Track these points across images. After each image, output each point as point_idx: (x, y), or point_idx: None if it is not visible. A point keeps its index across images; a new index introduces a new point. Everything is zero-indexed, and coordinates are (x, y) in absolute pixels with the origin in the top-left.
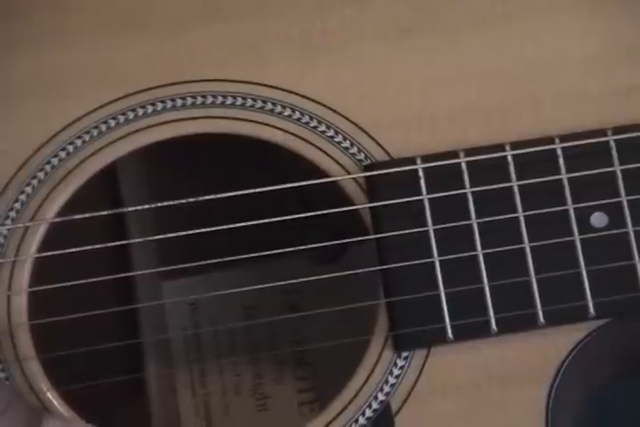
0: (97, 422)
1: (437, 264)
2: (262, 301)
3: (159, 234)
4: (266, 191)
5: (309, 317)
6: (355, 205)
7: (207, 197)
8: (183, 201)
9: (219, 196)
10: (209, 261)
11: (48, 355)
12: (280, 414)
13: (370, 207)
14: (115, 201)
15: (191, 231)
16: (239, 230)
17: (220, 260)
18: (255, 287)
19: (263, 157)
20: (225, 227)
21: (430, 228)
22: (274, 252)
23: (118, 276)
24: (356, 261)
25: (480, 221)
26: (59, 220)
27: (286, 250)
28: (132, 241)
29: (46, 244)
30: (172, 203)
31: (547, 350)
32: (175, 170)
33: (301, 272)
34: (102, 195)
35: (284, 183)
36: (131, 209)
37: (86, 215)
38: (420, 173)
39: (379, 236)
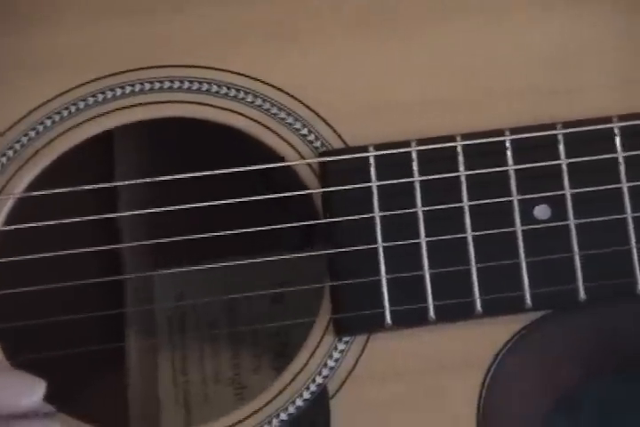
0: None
1: (381, 250)
2: (247, 292)
3: (150, 220)
4: (235, 180)
5: (289, 309)
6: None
7: (161, 178)
8: (139, 181)
9: (168, 178)
10: (170, 239)
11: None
12: None
13: (322, 193)
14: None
15: (130, 212)
16: (218, 221)
17: (179, 238)
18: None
19: (231, 143)
20: (168, 208)
21: (377, 214)
22: (228, 233)
23: (84, 250)
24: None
25: (425, 209)
26: (25, 195)
27: (240, 231)
28: (83, 218)
29: (12, 219)
30: (120, 183)
31: (484, 340)
32: (164, 153)
33: (286, 265)
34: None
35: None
36: (84, 188)
37: (49, 191)
38: (371, 161)
39: (320, 221)
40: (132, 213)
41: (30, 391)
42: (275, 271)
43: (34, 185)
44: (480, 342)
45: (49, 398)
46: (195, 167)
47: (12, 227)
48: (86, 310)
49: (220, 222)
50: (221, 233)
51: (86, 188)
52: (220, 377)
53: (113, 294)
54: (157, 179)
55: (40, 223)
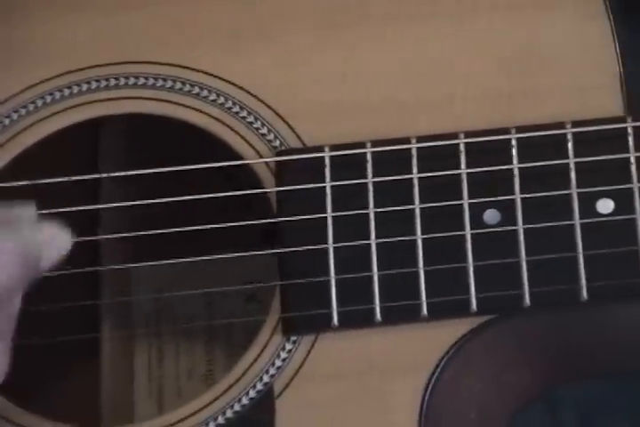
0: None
1: (331, 251)
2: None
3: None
4: (205, 178)
5: (264, 307)
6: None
7: (121, 173)
8: (100, 175)
9: (127, 173)
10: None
11: None
12: None
13: (276, 192)
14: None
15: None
16: (194, 214)
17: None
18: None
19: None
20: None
21: (329, 215)
22: (193, 228)
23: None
24: None
25: (377, 211)
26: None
27: (192, 228)
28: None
29: None
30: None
31: (429, 343)
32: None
33: (260, 262)
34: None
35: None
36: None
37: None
38: (327, 162)
39: (267, 220)
40: (80, 207)
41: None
42: (247, 270)
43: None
44: (425, 344)
45: (21, 388)
46: (174, 164)
47: None
48: (62, 302)
49: (192, 220)
50: (168, 230)
51: (44, 181)
52: (193, 373)
53: (90, 288)
54: (113, 174)
55: None
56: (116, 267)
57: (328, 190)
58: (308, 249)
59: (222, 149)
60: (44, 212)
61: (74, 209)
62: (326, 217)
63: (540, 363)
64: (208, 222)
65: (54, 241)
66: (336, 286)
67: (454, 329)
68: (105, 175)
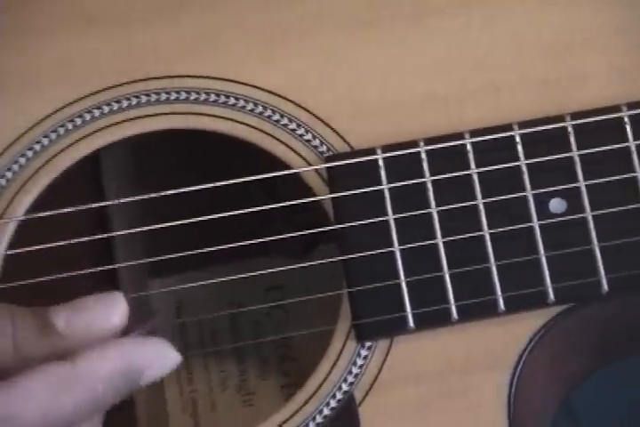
0: None
1: (398, 253)
2: (246, 298)
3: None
4: (235, 188)
5: (291, 313)
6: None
7: (168, 193)
8: (145, 197)
9: (178, 191)
10: (167, 257)
11: None
12: (265, 409)
13: (332, 199)
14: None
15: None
16: (213, 228)
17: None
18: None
19: (237, 153)
20: (180, 222)
21: (390, 217)
22: (235, 244)
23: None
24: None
25: (439, 209)
26: (24, 217)
27: (246, 243)
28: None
29: (17, 241)
30: (130, 199)
31: (507, 337)
32: (155, 165)
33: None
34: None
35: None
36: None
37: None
38: (380, 163)
39: (335, 227)
40: (126, 231)
41: (113, 304)
42: (270, 275)
43: (37, 204)
44: (503, 339)
45: None
46: (192, 177)
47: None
48: None
49: (219, 227)
50: (217, 247)
51: (90, 206)
52: (226, 384)
53: None
54: (154, 194)
55: (33, 247)
56: (133, 295)
57: (386, 193)
58: (375, 254)
59: (257, 157)
60: (61, 243)
61: (85, 239)
62: (388, 220)
63: (601, 345)
64: (246, 227)
65: (159, 358)
66: (407, 288)
67: (532, 321)
68: (116, 201)
